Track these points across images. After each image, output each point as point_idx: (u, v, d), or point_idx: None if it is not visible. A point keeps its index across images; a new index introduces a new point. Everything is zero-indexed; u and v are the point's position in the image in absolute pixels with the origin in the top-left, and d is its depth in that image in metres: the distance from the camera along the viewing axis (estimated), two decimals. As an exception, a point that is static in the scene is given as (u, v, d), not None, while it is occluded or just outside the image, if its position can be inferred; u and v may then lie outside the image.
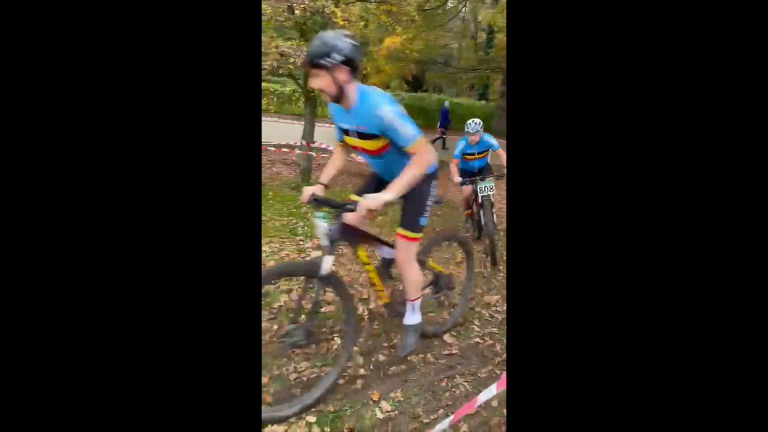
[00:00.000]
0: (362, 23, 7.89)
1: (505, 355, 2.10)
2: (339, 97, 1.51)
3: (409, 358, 1.98)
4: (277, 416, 1.48)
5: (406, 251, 1.75)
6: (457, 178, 3.60)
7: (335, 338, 2.06)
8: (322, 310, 2.25)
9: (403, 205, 1.77)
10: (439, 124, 11.55)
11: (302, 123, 6.21)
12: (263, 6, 4.57)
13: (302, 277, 1.70)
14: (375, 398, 1.67)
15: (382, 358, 1.98)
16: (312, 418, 1.51)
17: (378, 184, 1.80)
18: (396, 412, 1.61)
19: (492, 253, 3.29)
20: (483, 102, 17.61)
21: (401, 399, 1.69)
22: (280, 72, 5.17)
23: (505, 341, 2.22)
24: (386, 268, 2.05)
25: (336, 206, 1.64)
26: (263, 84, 5.98)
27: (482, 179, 3.47)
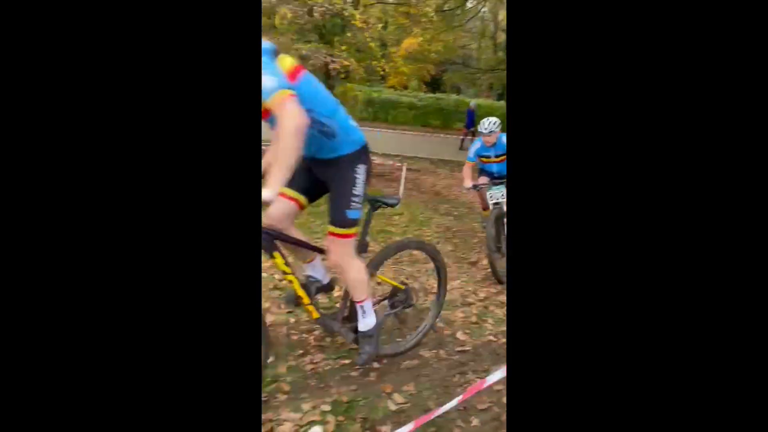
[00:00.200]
0: (381, 25, 7.95)
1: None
2: None
3: (421, 353, 2.02)
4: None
5: (337, 251, 1.56)
6: (468, 183, 3.22)
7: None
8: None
9: (329, 197, 1.57)
10: (465, 125, 11.55)
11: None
12: (284, 10, 4.68)
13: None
14: (388, 390, 1.71)
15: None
16: (327, 407, 1.57)
17: (302, 166, 1.50)
18: (408, 404, 1.65)
19: (493, 270, 2.95)
20: (502, 102, 17.43)
21: (413, 392, 1.73)
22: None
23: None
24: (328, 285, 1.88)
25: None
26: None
27: (494, 184, 3.11)
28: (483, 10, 15.36)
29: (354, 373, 1.80)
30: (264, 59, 1.21)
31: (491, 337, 2.26)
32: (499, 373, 1.21)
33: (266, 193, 1.15)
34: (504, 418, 1.61)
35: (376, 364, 1.89)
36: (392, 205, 1.74)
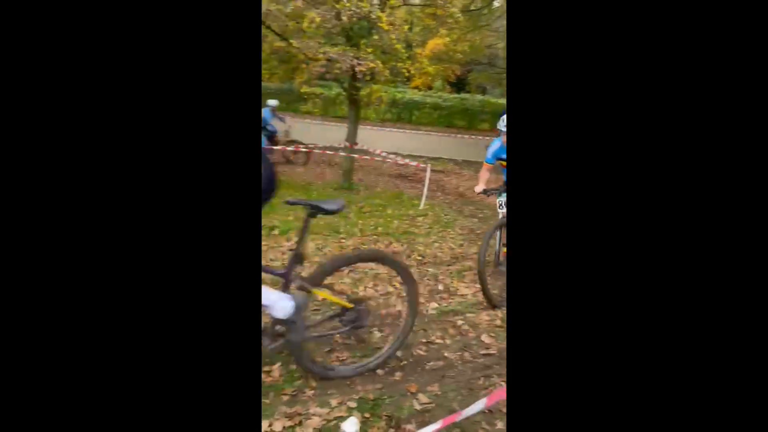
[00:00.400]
0: (407, 26, 7.97)
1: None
2: None
3: (446, 354, 2.03)
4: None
5: None
6: (479, 188, 2.93)
7: (374, 331, 2.14)
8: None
9: None
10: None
11: (346, 125, 6.40)
12: (312, 14, 4.77)
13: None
14: (413, 390, 1.74)
15: (420, 353, 2.04)
16: (353, 404, 1.60)
17: None
18: (433, 404, 1.67)
19: (485, 292, 2.59)
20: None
21: (438, 393, 1.74)
22: (326, 76, 5.36)
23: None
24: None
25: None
26: (308, 89, 6.21)
27: (505, 191, 2.83)
28: (510, 9, 15.03)
29: (380, 372, 1.83)
30: None
31: (517, 341, 2.24)
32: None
33: None
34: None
35: (401, 363, 1.92)
36: (332, 212, 1.53)
